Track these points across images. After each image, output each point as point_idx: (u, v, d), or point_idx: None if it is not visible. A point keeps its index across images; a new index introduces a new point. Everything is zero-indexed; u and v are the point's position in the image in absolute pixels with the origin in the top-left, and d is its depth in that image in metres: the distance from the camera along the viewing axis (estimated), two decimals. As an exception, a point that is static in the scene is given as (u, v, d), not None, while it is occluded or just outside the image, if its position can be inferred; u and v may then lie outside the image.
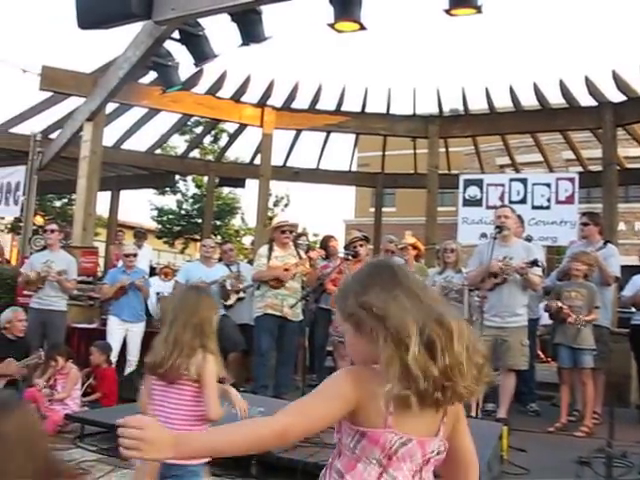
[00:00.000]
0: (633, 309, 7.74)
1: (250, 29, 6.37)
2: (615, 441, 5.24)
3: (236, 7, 5.96)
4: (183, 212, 25.31)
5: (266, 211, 13.23)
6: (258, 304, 7.39)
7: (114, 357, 7.67)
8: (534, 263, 6.39)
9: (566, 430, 6.50)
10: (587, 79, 10.67)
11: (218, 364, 3.14)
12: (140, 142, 14.36)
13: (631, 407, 7.72)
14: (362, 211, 31.03)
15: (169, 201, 25.49)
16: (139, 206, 47.44)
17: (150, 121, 12.91)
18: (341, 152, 14.92)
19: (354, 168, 16.12)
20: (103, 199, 15.78)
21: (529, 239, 7.62)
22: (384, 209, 15.71)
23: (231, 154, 20.11)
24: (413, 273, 1.87)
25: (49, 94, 11.01)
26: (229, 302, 8.30)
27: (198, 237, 23.66)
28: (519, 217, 7.73)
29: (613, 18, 55.56)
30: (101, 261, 14.04)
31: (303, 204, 57.34)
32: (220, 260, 8.98)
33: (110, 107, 10.65)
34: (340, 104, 12.03)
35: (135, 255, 8.38)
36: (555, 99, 11.35)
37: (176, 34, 7.14)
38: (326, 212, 61.07)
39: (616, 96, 10.57)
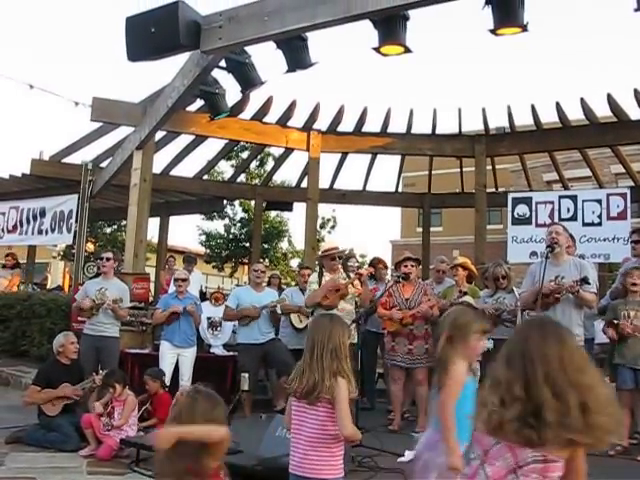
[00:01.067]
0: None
1: (295, 55, 6.42)
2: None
3: (281, 35, 6.03)
4: (231, 236, 25.53)
5: (315, 234, 13.27)
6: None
7: (167, 382, 7.74)
8: (584, 280, 6.28)
9: (628, 454, 6.32)
10: (636, 92, 10.50)
11: (350, 385, 3.35)
12: (188, 168, 14.61)
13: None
14: (409, 231, 30.94)
15: (217, 225, 25.79)
16: (188, 231, 48.00)
17: (198, 147, 13.11)
18: (387, 173, 14.96)
19: (400, 188, 16.08)
20: (152, 225, 16.10)
21: (582, 257, 7.49)
22: (431, 229, 15.63)
23: (277, 177, 20.28)
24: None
25: (100, 124, 11.27)
26: (301, 325, 8.36)
27: (246, 261, 23.83)
28: (570, 236, 7.62)
29: (660, 29, 54.66)
30: (151, 286, 14.25)
31: (350, 225, 57.42)
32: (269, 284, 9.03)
33: (159, 134, 10.84)
34: (386, 126, 12.05)
35: (186, 280, 8.47)
36: (603, 113, 11.19)
37: (223, 62, 7.26)
38: (373, 233, 61.11)
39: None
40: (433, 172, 14.71)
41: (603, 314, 7.15)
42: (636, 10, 5.18)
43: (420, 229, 16.09)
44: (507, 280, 7.56)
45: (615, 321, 6.61)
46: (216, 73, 7.76)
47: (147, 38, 6.22)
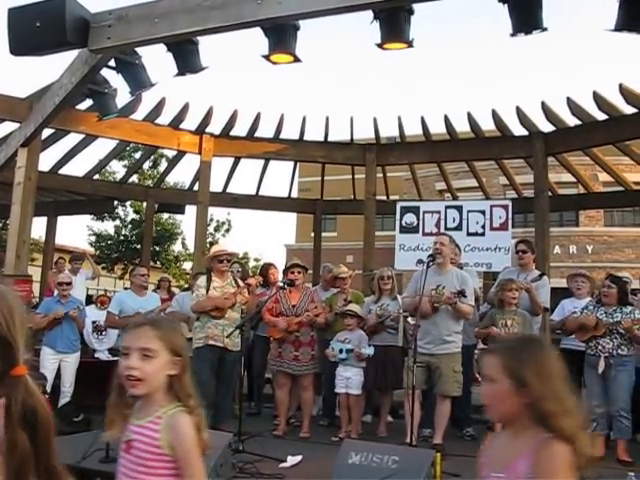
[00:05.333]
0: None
1: (186, 59, 6.38)
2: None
3: (171, 38, 5.99)
4: (122, 238, 25.04)
5: (204, 237, 13.14)
6: (198, 335, 7.22)
7: (47, 388, 7.50)
8: (461, 293, 6.56)
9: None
10: (518, 109, 11.01)
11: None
12: (78, 167, 14.17)
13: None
14: (303, 236, 31.12)
15: (108, 226, 25.24)
16: (78, 231, 46.60)
17: (88, 147, 12.75)
18: (283, 177, 14.99)
19: (295, 193, 16.18)
20: (40, 225, 15.55)
21: (461, 266, 7.77)
22: (325, 234, 15.82)
23: (170, 179, 20.01)
24: None
25: (-20, 119, 10.77)
26: (189, 335, 8.24)
27: (137, 263, 23.38)
28: (457, 246, 7.91)
29: (541, 52, 57.51)
30: (38, 286, 13.75)
31: (245, 229, 57.26)
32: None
33: (47, 132, 10.48)
34: (279, 132, 12.11)
35: (69, 284, 8.24)
36: (488, 128, 11.65)
37: (112, 62, 7.12)
38: (268, 237, 61.18)
39: (546, 126, 10.93)
40: (329, 178, 14.87)
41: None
42: (512, 35, 5.45)
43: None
44: (392, 282, 7.75)
45: (494, 329, 6.90)
46: (107, 72, 7.62)
47: (32, 32, 6.02)
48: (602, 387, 6.72)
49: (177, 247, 26.74)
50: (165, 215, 22.95)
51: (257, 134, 12.08)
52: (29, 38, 6.12)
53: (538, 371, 2.05)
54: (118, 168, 21.98)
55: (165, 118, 11.46)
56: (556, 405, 2.00)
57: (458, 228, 10.21)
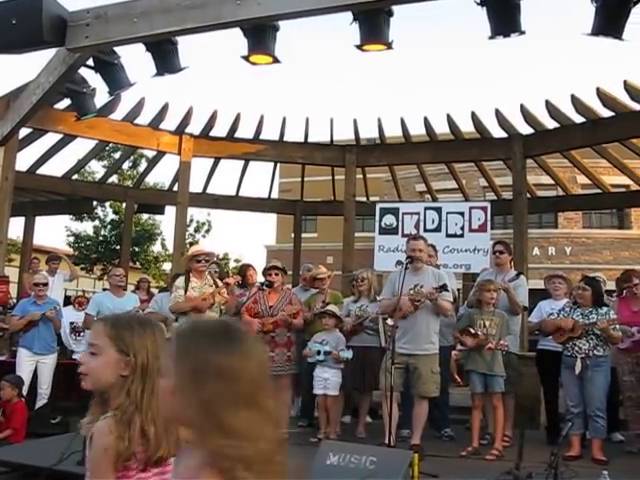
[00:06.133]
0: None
1: (165, 59, 6.36)
2: (523, 462, 5.42)
3: (150, 37, 5.97)
4: (101, 238, 24.88)
5: (183, 238, 13.08)
6: (177, 337, 7.22)
7: (24, 390, 7.44)
8: (443, 287, 6.57)
9: (478, 454, 6.66)
10: (497, 112, 11.08)
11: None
12: (57, 167, 14.05)
13: (540, 429, 7.96)
14: (284, 237, 31.09)
15: (87, 227, 25.07)
16: (56, 232, 46.17)
17: (67, 146, 12.65)
18: (264, 178, 14.90)
19: (275, 194, 16.17)
20: (18, 225, 15.41)
21: (438, 266, 7.81)
22: (306, 235, 15.81)
23: (150, 179, 19.92)
24: None
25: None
26: (168, 336, 8.16)
27: (116, 263, 23.25)
28: (432, 246, 7.95)
29: (520, 55, 57.95)
30: (15, 288, 13.62)
31: (226, 230, 57.04)
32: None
33: (24, 131, 10.39)
34: (258, 133, 12.09)
35: (45, 284, 8.17)
36: (468, 130, 11.71)
37: (91, 61, 7.08)
38: (249, 237, 61.00)
39: (525, 128, 11.00)
40: (309, 179, 14.87)
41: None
42: (490, 38, 5.49)
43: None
44: (367, 283, 7.77)
45: (471, 330, 6.94)
46: (85, 72, 7.58)
47: (7, 30, 5.95)
48: (579, 387, 6.78)
49: (157, 248, 26.64)
50: (145, 215, 22.82)
51: (237, 135, 12.05)
52: (4, 35, 6.05)
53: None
54: (97, 168, 21.87)
55: (144, 118, 11.41)
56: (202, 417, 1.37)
57: (437, 229, 10.25)
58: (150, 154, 16.71)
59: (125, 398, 2.07)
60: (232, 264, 28.71)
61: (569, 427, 6.06)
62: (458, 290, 9.82)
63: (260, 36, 5.85)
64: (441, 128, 11.76)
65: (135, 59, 7.05)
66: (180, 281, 7.40)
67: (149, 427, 2.03)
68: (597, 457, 6.53)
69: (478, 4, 5.60)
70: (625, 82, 9.28)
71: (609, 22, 5.38)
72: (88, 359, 2.17)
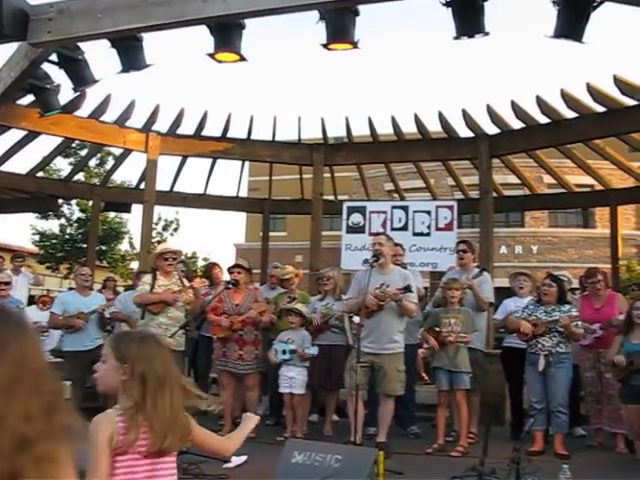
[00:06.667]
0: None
1: (130, 56, 6.30)
2: (488, 459, 5.48)
3: (114, 33, 5.91)
4: (67, 236, 24.58)
5: (150, 237, 12.97)
6: (140, 334, 7.18)
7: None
8: (407, 289, 6.62)
9: (444, 451, 6.72)
10: (464, 112, 11.16)
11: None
12: (21, 164, 13.83)
13: (506, 425, 8.05)
14: (253, 235, 31.01)
15: (52, 225, 24.73)
16: (21, 230, 45.53)
17: (32, 143, 12.47)
18: (232, 177, 14.85)
19: (244, 192, 16.11)
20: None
21: (405, 266, 7.85)
22: (275, 233, 15.77)
23: (117, 177, 19.73)
24: None
25: None
26: None
27: (83, 262, 22.99)
28: (398, 244, 7.99)
29: (485, 55, 58.47)
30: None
31: (194, 228, 56.64)
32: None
33: (-14, 128, 10.25)
34: (226, 131, 12.04)
35: (8, 283, 8.06)
36: (435, 129, 11.79)
37: (55, 56, 6.98)
38: (218, 236, 60.65)
39: (491, 128, 11.11)
40: (277, 178, 14.85)
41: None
42: (455, 38, 5.54)
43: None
44: (332, 282, 7.80)
45: (437, 328, 7.01)
46: (49, 68, 7.47)
47: (-33, 23, 5.85)
48: (542, 384, 6.88)
49: (124, 246, 26.37)
50: (112, 214, 22.60)
51: (204, 133, 11.99)
52: (-35, 30, 5.95)
53: None
54: (63, 165, 21.56)
55: (111, 115, 11.29)
56: None
57: (404, 228, 10.28)
58: (117, 152, 16.57)
59: (125, 399, 2.43)
60: (200, 262, 28.57)
61: (531, 423, 6.15)
62: (425, 289, 9.87)
63: (226, 34, 5.82)
64: (408, 127, 11.82)
65: (101, 55, 6.99)
66: (147, 278, 7.36)
67: (154, 422, 2.38)
68: (559, 451, 6.63)
69: (443, 5, 5.64)
70: (615, 77, 9.21)
71: (570, 25, 5.45)
72: (99, 366, 2.56)
